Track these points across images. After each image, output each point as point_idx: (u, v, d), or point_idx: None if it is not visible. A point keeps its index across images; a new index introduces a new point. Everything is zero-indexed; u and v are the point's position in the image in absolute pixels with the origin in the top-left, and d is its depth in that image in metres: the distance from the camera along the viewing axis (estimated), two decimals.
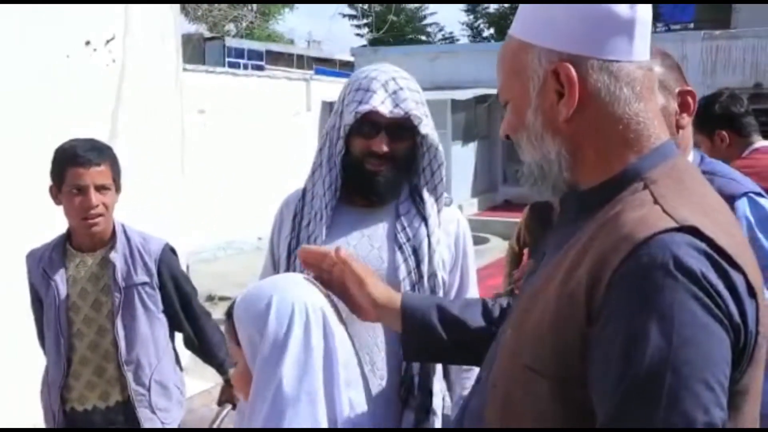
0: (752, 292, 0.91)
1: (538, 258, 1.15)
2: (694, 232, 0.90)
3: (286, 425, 1.17)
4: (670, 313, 0.85)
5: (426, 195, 1.82)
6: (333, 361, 1.23)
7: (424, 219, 1.80)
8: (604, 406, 0.89)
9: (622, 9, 1.01)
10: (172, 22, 5.02)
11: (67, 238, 2.40)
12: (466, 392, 1.83)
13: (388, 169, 1.76)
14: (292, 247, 1.81)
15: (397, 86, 1.76)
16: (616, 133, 1.02)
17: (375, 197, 1.80)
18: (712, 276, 0.87)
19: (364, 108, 1.73)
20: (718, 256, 0.89)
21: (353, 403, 1.25)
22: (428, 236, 1.78)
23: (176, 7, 5.22)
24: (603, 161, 1.03)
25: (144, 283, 2.37)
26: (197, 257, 8.94)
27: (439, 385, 1.82)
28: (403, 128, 1.75)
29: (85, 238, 2.36)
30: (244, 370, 1.28)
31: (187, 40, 13.76)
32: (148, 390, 2.37)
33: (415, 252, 1.77)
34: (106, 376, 2.35)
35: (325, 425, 1.20)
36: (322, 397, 1.21)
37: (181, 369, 2.56)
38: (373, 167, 1.76)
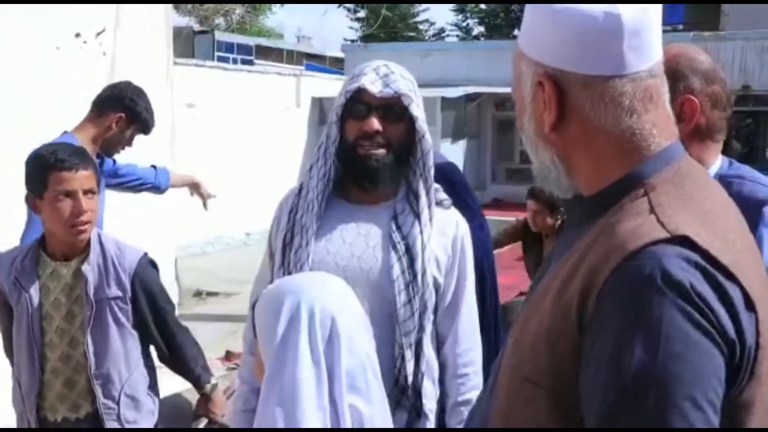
0: (750, 305, 0.88)
1: (545, 265, 1.14)
2: (686, 242, 0.88)
3: (291, 424, 1.20)
4: (656, 327, 0.84)
5: (420, 189, 1.81)
6: (336, 367, 1.25)
7: (418, 216, 1.80)
8: (591, 420, 0.89)
9: (603, 22, 0.96)
10: (163, 15, 5.00)
11: (40, 244, 2.31)
12: (461, 398, 1.83)
13: (381, 154, 1.76)
14: (287, 240, 1.81)
15: (388, 70, 1.77)
16: (608, 147, 1.00)
17: (368, 182, 1.79)
18: (704, 289, 0.85)
19: (354, 86, 1.74)
20: (712, 267, 0.87)
21: (357, 410, 1.26)
22: (420, 233, 1.78)
23: None
24: (600, 170, 1.01)
25: (116, 298, 2.28)
26: (185, 252, 8.91)
27: (432, 387, 1.82)
28: (394, 110, 1.76)
29: (64, 246, 2.26)
30: (260, 361, 1.34)
31: (177, 33, 13.68)
32: (117, 403, 2.31)
33: (408, 251, 1.76)
34: (77, 388, 2.29)
35: (327, 425, 1.22)
36: (326, 399, 1.23)
37: (154, 373, 2.47)
38: (366, 150, 1.75)
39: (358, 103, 1.76)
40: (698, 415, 0.83)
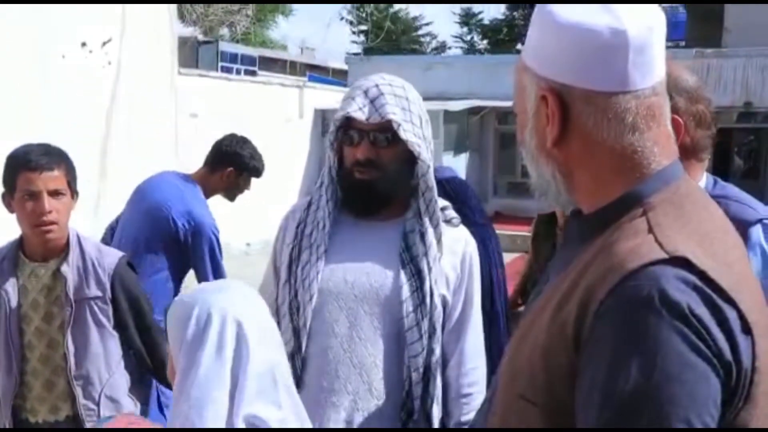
0: (747, 328, 0.87)
1: (543, 282, 1.14)
2: (685, 263, 0.87)
3: (199, 423, 1.27)
4: (653, 348, 0.84)
5: (422, 208, 1.79)
6: (242, 371, 1.31)
7: (424, 237, 1.77)
8: None
9: (609, 38, 0.95)
10: (168, 25, 5.03)
11: (20, 245, 2.31)
12: (464, 418, 1.81)
13: (376, 178, 1.74)
14: (294, 255, 1.80)
15: (378, 92, 1.72)
16: (609, 163, 0.99)
17: (364, 207, 1.78)
18: (701, 310, 0.85)
19: (340, 115, 1.73)
20: (710, 289, 0.86)
21: (260, 418, 1.31)
22: (426, 255, 1.76)
23: (173, 10, 5.23)
24: (600, 187, 1.01)
25: (96, 298, 2.28)
26: None
27: (437, 409, 1.80)
28: (386, 134, 1.72)
29: (38, 246, 2.27)
30: (171, 365, 1.41)
31: (182, 43, 13.74)
32: (98, 405, 2.30)
33: (419, 272, 1.74)
34: (56, 390, 2.28)
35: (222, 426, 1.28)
36: (226, 401, 1.29)
37: (136, 375, 2.44)
38: (361, 175, 1.74)
39: (349, 129, 1.74)
40: None
